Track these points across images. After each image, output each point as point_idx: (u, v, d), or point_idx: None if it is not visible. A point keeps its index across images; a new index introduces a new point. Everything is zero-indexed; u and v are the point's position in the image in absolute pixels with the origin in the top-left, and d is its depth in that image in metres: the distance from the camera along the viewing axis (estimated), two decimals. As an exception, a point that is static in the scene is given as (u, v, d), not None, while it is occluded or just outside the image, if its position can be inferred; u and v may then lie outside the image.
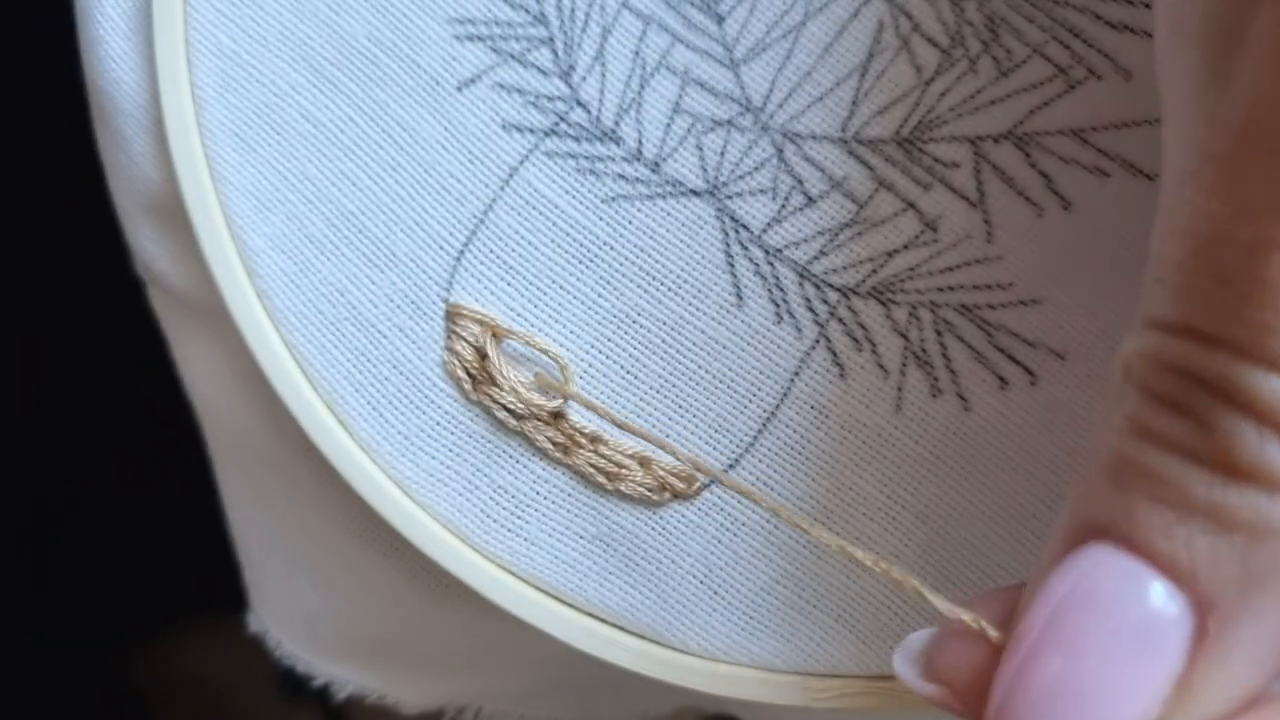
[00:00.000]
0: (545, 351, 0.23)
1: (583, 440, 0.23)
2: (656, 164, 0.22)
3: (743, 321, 0.23)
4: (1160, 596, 0.13)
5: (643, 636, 0.23)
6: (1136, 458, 0.14)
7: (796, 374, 0.22)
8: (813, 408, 0.22)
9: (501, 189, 0.23)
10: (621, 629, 0.23)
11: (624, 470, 0.23)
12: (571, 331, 0.23)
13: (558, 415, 0.23)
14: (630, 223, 0.23)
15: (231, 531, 0.28)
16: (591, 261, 0.23)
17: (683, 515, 0.23)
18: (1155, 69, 0.16)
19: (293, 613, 0.27)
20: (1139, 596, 0.14)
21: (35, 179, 0.39)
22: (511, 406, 0.23)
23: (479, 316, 0.23)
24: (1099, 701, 0.13)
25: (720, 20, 0.22)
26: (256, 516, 0.27)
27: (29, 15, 0.36)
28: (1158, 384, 0.14)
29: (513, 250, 0.23)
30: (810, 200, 0.22)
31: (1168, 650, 0.13)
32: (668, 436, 0.23)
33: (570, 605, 0.23)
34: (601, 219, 0.23)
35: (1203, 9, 0.14)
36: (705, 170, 0.22)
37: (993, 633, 0.16)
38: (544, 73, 0.23)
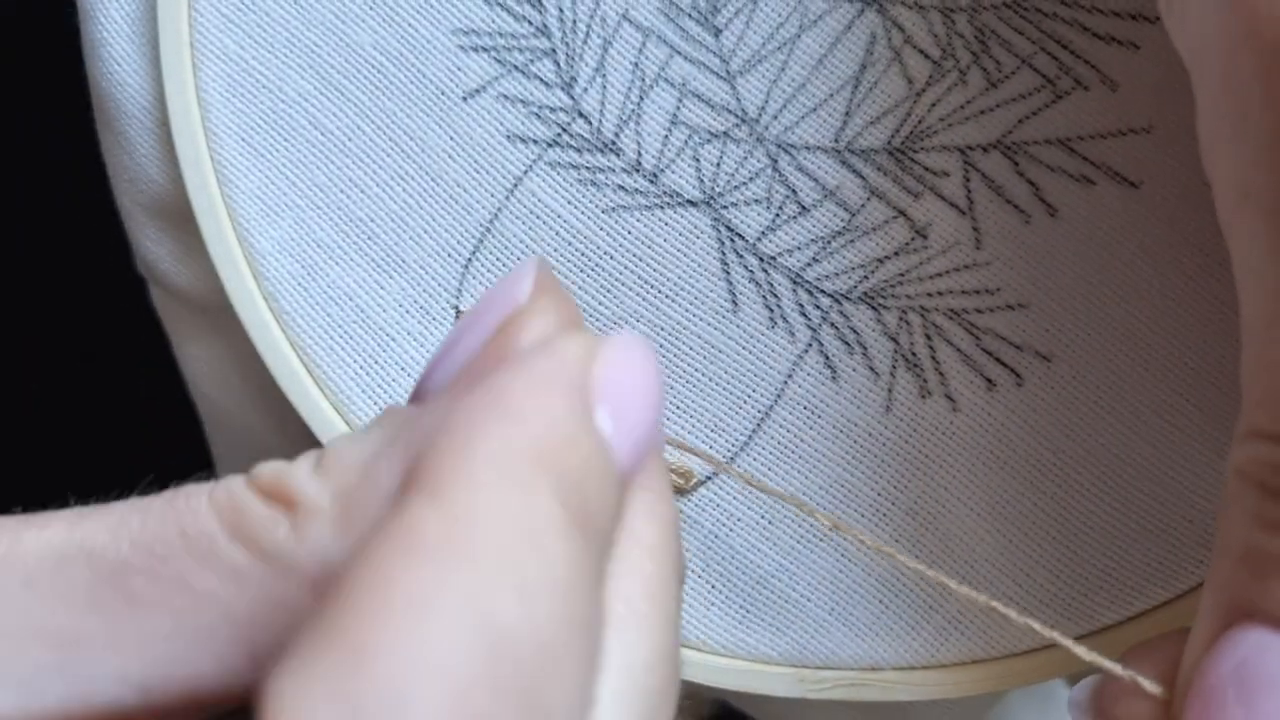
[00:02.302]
0: None
1: (583, 440, 0.23)
2: (655, 175, 0.23)
3: (738, 326, 0.23)
4: None
5: (641, 631, 0.24)
6: (1266, 547, 0.16)
7: (790, 376, 0.23)
8: (806, 408, 0.23)
9: (507, 198, 0.23)
10: (621, 623, 0.24)
11: (623, 469, 0.23)
12: None
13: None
14: (630, 232, 0.23)
15: None
16: (593, 270, 0.23)
17: (680, 512, 0.23)
18: (1221, 221, 0.18)
19: None
20: None
21: (35, 179, 0.39)
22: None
23: None
24: None
25: (717, 33, 0.23)
26: None
27: (29, 15, 0.36)
28: (1273, 482, 0.16)
29: (518, 258, 0.23)
30: (803, 209, 0.23)
31: None
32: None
33: (571, 600, 0.24)
34: (602, 229, 0.23)
35: (1273, 184, 0.16)
36: (702, 181, 0.23)
37: (1152, 688, 0.18)
38: (546, 84, 0.23)
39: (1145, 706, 0.18)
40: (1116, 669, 0.18)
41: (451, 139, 0.23)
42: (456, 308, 0.23)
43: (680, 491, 0.23)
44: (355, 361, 0.24)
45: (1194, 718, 0.16)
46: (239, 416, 0.26)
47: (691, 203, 0.23)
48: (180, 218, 0.25)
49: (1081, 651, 0.18)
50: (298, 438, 0.25)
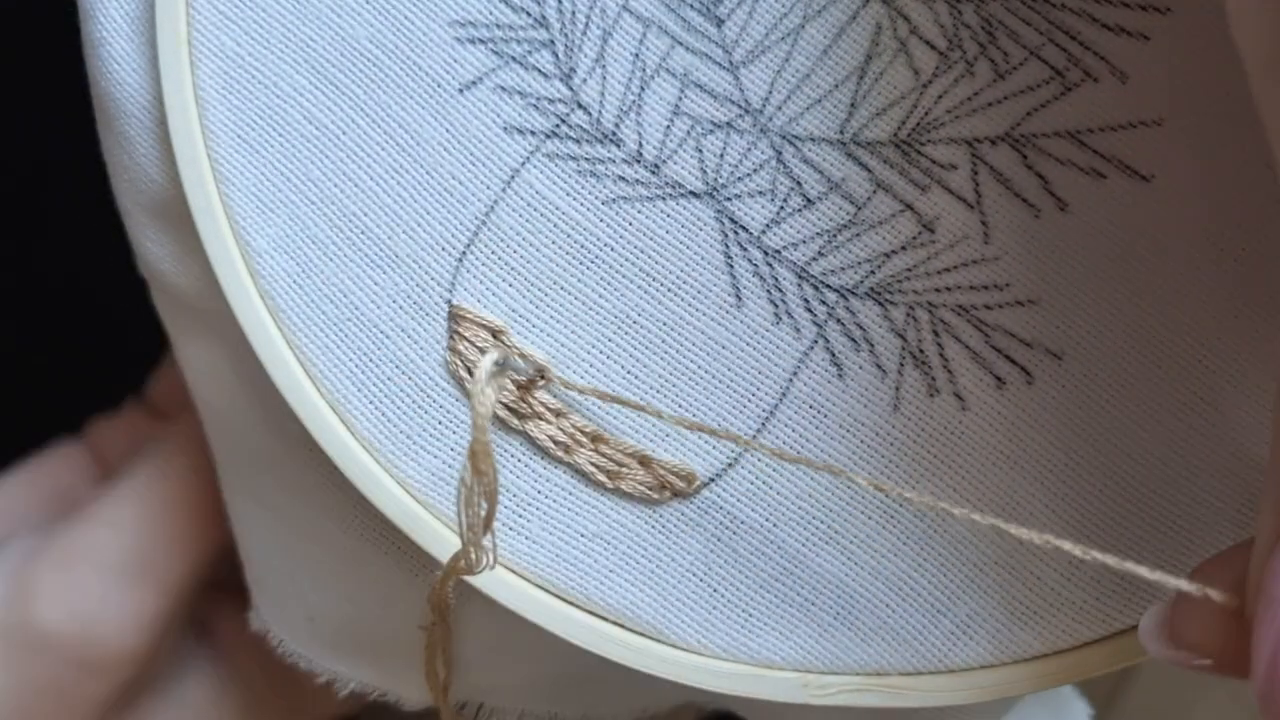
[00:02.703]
0: (527, 358, 0.23)
1: (583, 439, 0.23)
2: (656, 166, 0.23)
3: (742, 322, 0.23)
4: None
5: (643, 634, 0.23)
6: None
7: (795, 374, 0.23)
8: (811, 407, 0.23)
9: (503, 191, 0.23)
10: (622, 626, 0.23)
11: (624, 469, 0.23)
12: (572, 332, 0.23)
13: (559, 414, 0.23)
14: (630, 224, 0.23)
15: (233, 530, 0.28)
16: (592, 263, 0.23)
17: (682, 513, 0.23)
18: (1254, 95, 0.17)
19: (294, 610, 0.27)
20: None
21: (35, 179, 0.39)
22: (514, 406, 0.23)
23: (483, 320, 0.23)
24: None
25: (720, 23, 0.22)
26: (258, 515, 0.27)
27: (31, 14, 0.36)
28: None
29: (514, 251, 0.23)
30: (809, 202, 0.22)
31: None
32: (667, 436, 0.23)
33: (571, 603, 0.23)
34: (602, 220, 0.23)
35: None
36: (705, 172, 0.22)
37: (1222, 598, 0.17)
38: (545, 75, 0.23)
39: (1218, 623, 0.17)
40: (1184, 584, 0.17)
41: (447, 131, 0.23)
42: (449, 302, 0.23)
43: (682, 494, 0.23)
44: (350, 360, 0.23)
45: (1266, 624, 0.16)
46: (238, 418, 0.26)
47: (694, 194, 0.23)
48: (179, 218, 0.25)
49: (1145, 572, 0.18)
50: (296, 439, 0.25)
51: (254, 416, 0.26)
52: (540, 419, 0.23)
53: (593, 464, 0.23)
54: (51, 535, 0.28)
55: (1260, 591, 0.16)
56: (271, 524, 0.27)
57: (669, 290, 0.23)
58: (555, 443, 0.23)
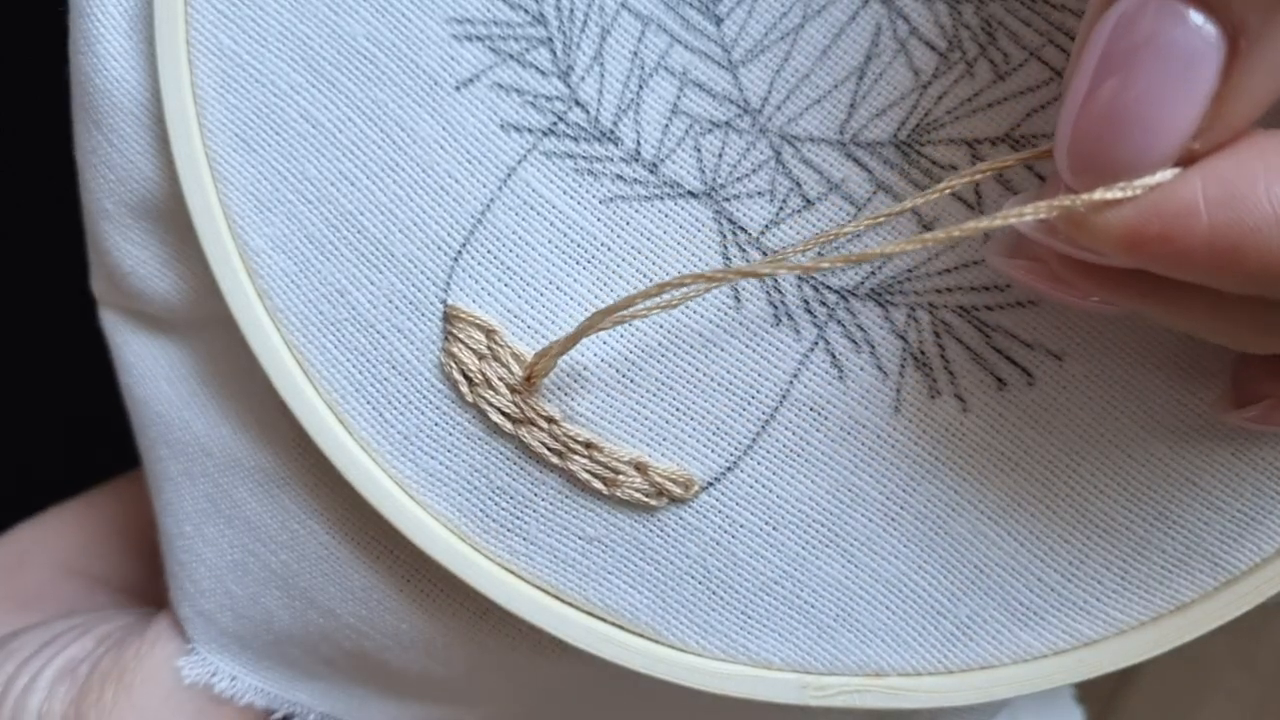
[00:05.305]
0: (517, 356, 0.23)
1: (577, 446, 0.23)
2: (654, 165, 0.22)
3: (741, 323, 0.23)
4: (1197, 22, 0.16)
5: (642, 635, 0.23)
6: None
7: (795, 376, 0.23)
8: (812, 409, 0.23)
9: (499, 189, 0.23)
10: (621, 627, 0.23)
11: (620, 476, 0.23)
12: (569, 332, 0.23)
13: (551, 420, 0.23)
14: (628, 223, 0.23)
15: (173, 563, 0.27)
16: (589, 262, 0.23)
17: (680, 518, 0.23)
18: None
19: (258, 635, 0.26)
20: (1179, 25, 0.16)
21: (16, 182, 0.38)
22: (506, 410, 0.23)
23: (476, 320, 0.23)
24: (1150, 115, 0.16)
25: (719, 22, 0.22)
26: (224, 533, 0.26)
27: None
28: None
29: (510, 251, 0.23)
30: (808, 202, 0.22)
31: (1205, 69, 0.16)
32: (665, 439, 0.23)
33: (570, 604, 0.23)
34: (599, 219, 0.23)
35: None
36: (703, 172, 0.22)
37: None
38: (542, 73, 0.23)
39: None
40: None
41: (443, 129, 0.23)
42: (444, 301, 0.23)
43: (680, 500, 0.23)
44: (347, 360, 0.23)
45: (1072, 98, 0.16)
46: (209, 431, 0.25)
47: (692, 194, 0.22)
48: (170, 216, 0.25)
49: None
50: (284, 443, 0.25)
51: (228, 426, 0.25)
52: (533, 425, 0.23)
53: (588, 471, 0.23)
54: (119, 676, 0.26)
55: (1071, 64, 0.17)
56: (238, 541, 0.26)
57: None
58: (549, 449, 0.23)
